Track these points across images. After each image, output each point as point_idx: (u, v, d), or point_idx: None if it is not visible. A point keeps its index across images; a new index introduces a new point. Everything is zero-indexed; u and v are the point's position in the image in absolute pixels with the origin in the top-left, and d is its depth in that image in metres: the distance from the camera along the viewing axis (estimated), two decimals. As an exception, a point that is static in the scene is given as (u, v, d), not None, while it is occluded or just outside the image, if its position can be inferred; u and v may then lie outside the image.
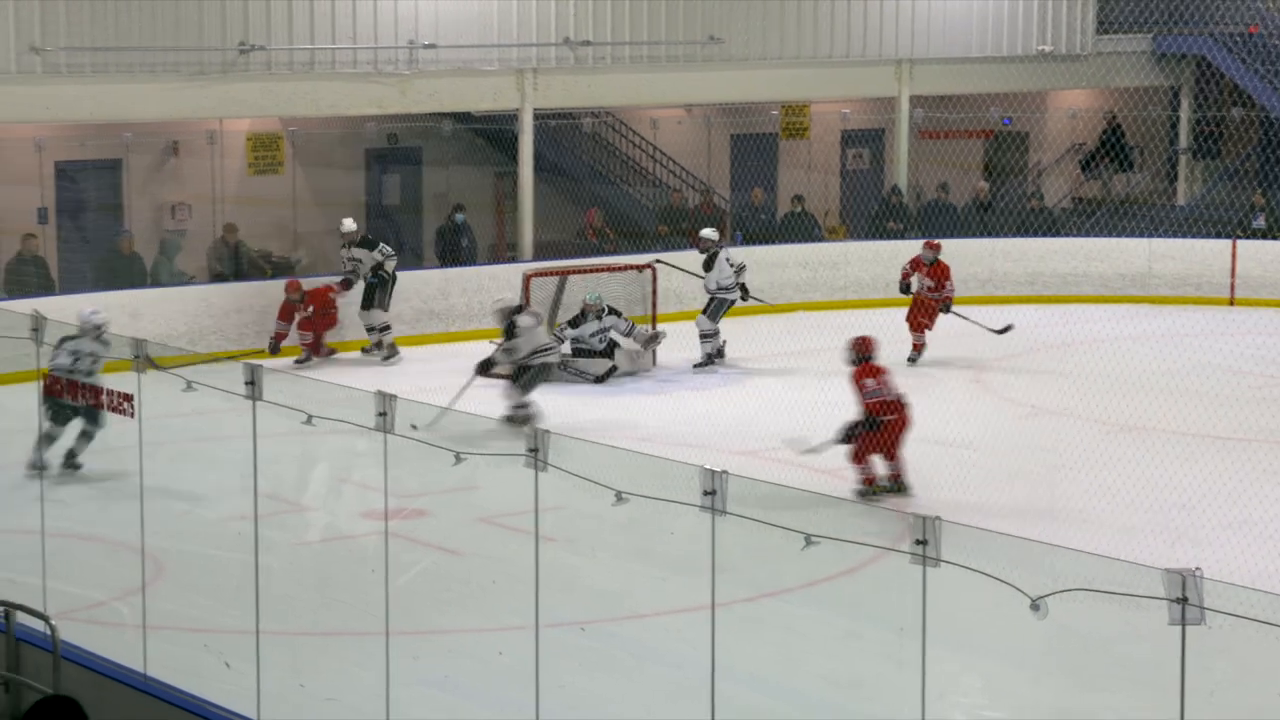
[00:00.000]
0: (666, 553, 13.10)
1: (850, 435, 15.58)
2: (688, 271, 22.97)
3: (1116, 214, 28.86)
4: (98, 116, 22.81)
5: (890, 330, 20.85)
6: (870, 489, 15.48)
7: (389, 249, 22.64)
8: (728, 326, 21.95)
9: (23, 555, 12.27)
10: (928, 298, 21.77)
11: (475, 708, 11.17)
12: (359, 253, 22.56)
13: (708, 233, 22.16)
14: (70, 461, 15.65)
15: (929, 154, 28.84)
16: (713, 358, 21.55)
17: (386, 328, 22.52)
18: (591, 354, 20.98)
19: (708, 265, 21.89)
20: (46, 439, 15.26)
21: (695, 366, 21.53)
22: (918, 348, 21.66)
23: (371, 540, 13.84)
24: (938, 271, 21.91)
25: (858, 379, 15.87)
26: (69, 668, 10.56)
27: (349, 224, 22.84)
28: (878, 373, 15.95)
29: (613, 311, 21.22)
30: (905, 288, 22.03)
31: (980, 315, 22.30)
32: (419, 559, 13.83)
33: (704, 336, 21.60)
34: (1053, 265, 26.70)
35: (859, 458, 15.54)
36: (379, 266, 22.46)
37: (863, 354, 16.13)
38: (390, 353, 22.39)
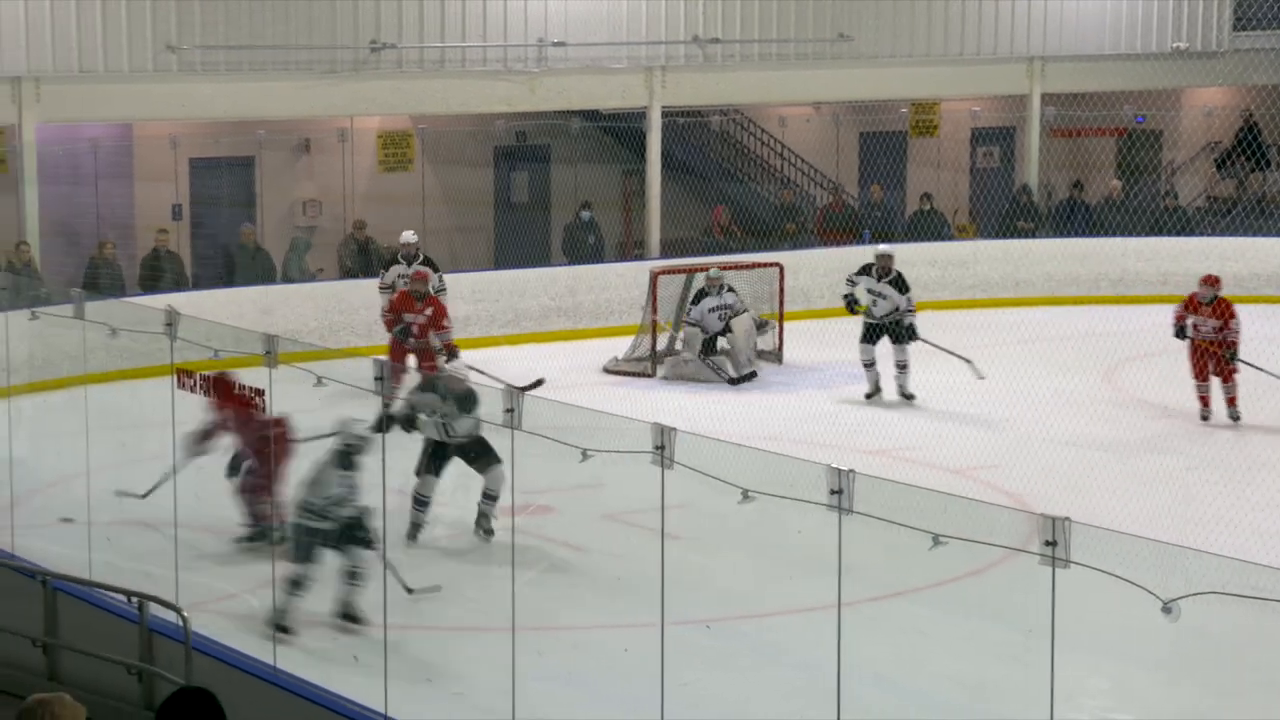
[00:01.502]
0: (792, 552, 13.05)
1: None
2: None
3: (1252, 213, 28.43)
4: (231, 114, 23.08)
5: (1019, 329, 20.71)
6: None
7: (441, 280, 20.35)
8: (848, 325, 21.81)
9: (156, 548, 12.43)
10: (1208, 340, 18.60)
11: (600, 704, 11.18)
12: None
13: (887, 248, 20.41)
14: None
15: (1060, 152, 28.56)
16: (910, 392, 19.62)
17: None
18: (710, 335, 20.92)
19: (900, 285, 19.88)
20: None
21: (906, 396, 19.63)
22: (1205, 402, 18.62)
23: (498, 536, 13.92)
24: (1220, 310, 18.68)
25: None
26: (200, 658, 10.69)
27: (410, 236, 20.98)
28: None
29: (733, 290, 21.17)
30: (1180, 331, 18.84)
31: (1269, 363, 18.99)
32: (545, 555, 13.87)
33: (903, 366, 19.70)
34: (1186, 265, 26.27)
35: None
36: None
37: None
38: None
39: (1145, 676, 11.58)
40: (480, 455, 13.93)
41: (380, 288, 20.49)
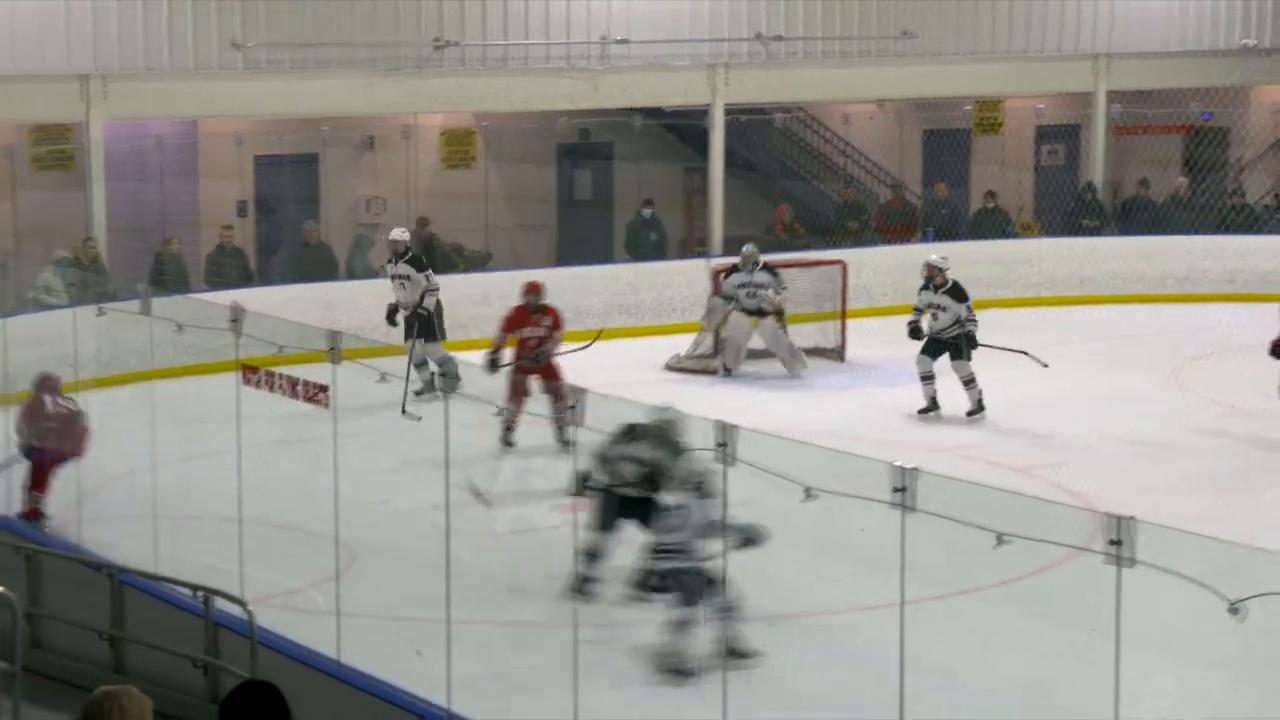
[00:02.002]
0: (855, 550, 13.02)
1: None
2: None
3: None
4: (295, 111, 23.21)
5: (1084, 328, 20.64)
6: None
7: (436, 279, 19.85)
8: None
9: (221, 542, 12.50)
10: None
11: (663, 700, 11.18)
12: (407, 269, 19.79)
13: (939, 260, 19.47)
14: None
15: (1126, 150, 28.40)
16: (982, 403, 18.73)
17: (449, 359, 18.48)
18: (744, 309, 20.92)
19: (958, 294, 19.12)
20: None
21: (969, 414, 18.70)
22: None
23: (561, 532, 13.92)
24: None
25: None
26: (265, 653, 10.74)
27: (401, 233, 20.26)
28: None
29: (768, 269, 21.10)
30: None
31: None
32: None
33: (969, 382, 18.84)
34: (1253, 263, 26.14)
35: None
36: (421, 297, 19.54)
37: None
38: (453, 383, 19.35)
39: (1211, 677, 11.50)
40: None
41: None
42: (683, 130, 26.41)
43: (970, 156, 29.19)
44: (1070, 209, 27.65)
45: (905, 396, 19.50)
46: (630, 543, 12.59)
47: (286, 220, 24.44)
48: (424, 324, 19.43)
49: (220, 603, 11.27)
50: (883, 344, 21.60)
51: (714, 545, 10.76)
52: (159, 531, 12.78)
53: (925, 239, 26.20)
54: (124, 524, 14.00)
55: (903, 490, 7.81)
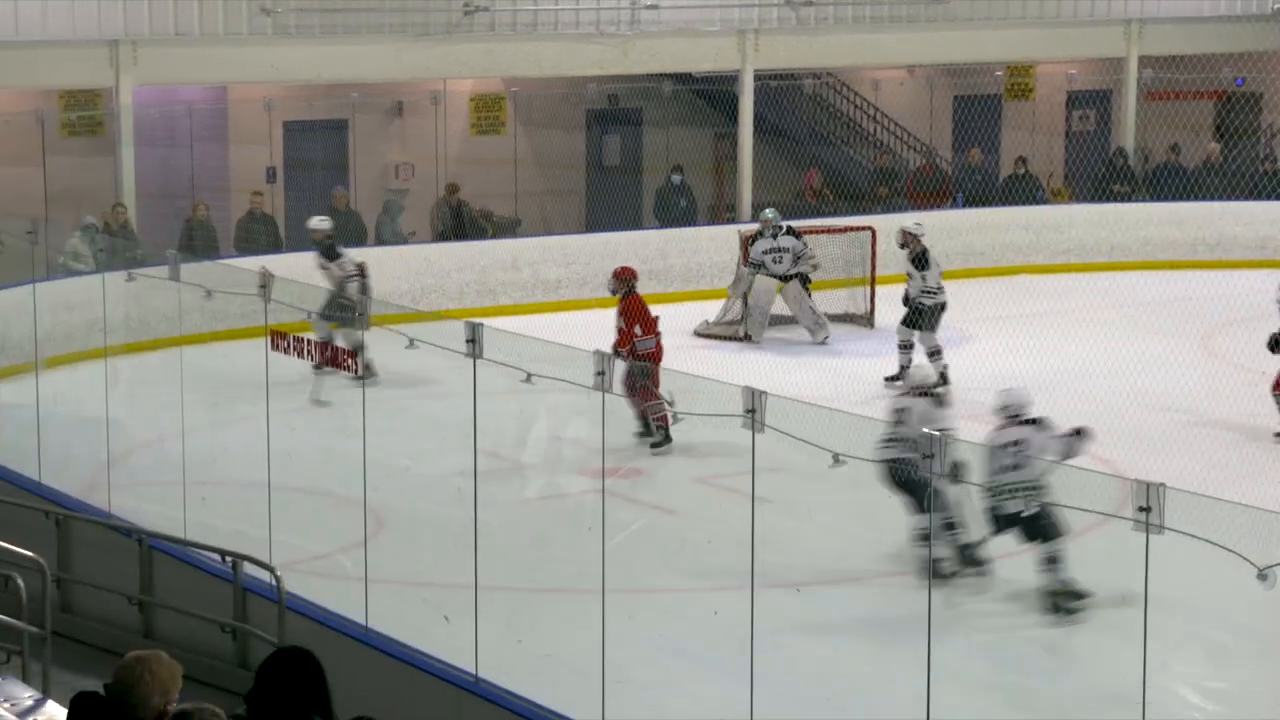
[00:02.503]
0: (884, 516, 13.01)
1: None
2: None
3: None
4: (325, 77, 23.19)
5: (1114, 294, 20.58)
6: None
7: (351, 265, 18.83)
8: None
9: (250, 508, 12.54)
10: None
11: (690, 666, 11.20)
12: (321, 259, 19.02)
13: (914, 226, 19.17)
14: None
15: (1157, 116, 28.24)
16: (945, 377, 17.93)
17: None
18: (775, 279, 20.92)
19: (920, 262, 18.82)
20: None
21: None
22: None
23: (589, 498, 13.93)
24: None
25: None
26: (292, 618, 10.78)
27: (320, 223, 19.45)
28: None
29: (791, 233, 21.07)
30: None
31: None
32: (635, 518, 13.89)
33: (933, 354, 18.47)
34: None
35: None
36: (341, 286, 18.46)
37: None
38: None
39: (1240, 644, 11.48)
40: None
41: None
42: (712, 96, 26.34)
43: (1001, 122, 29.07)
44: (1101, 175, 27.53)
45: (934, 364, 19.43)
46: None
47: (315, 186, 24.44)
48: (345, 311, 18.29)
49: (248, 568, 11.31)
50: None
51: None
52: (188, 497, 12.81)
53: (956, 205, 26.11)
54: (153, 490, 14.06)
55: (930, 457, 7.81)
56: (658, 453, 15.45)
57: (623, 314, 16.37)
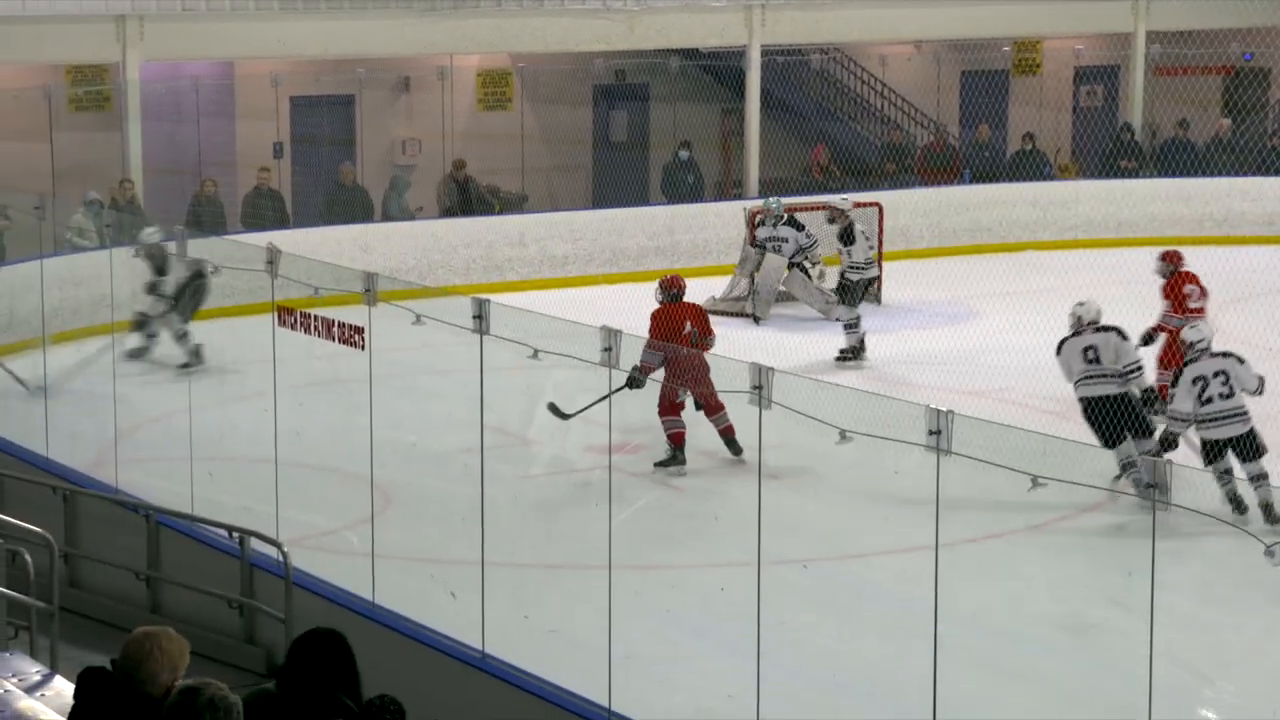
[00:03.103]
0: (890, 492, 13.02)
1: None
2: None
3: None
4: (331, 52, 23.17)
5: (1121, 270, 20.49)
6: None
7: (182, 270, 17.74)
8: (949, 265, 21.70)
9: (257, 484, 12.55)
10: None
11: (696, 642, 11.21)
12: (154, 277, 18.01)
13: (839, 200, 19.64)
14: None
15: (1165, 91, 28.18)
16: (859, 351, 18.53)
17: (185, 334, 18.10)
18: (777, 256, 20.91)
19: (846, 238, 19.08)
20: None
21: (838, 359, 18.45)
22: None
23: (595, 475, 13.95)
24: None
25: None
26: (300, 594, 10.80)
27: (148, 234, 17.53)
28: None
29: (792, 223, 21.04)
30: None
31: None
32: (642, 494, 13.89)
33: (849, 327, 18.71)
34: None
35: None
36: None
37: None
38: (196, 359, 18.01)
39: (1248, 621, 11.48)
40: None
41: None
42: (719, 71, 26.31)
43: (1008, 98, 29.03)
44: (1108, 151, 27.48)
45: (941, 339, 19.45)
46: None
47: (322, 162, 24.44)
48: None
49: (256, 544, 11.33)
50: (920, 287, 21.54)
51: None
52: (195, 473, 12.83)
53: (963, 181, 26.07)
54: (161, 465, 14.07)
55: (938, 433, 7.79)
56: (660, 470, 14.39)
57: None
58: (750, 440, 8.84)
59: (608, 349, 9.48)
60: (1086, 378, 13.71)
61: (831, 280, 21.62)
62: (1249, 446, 12.83)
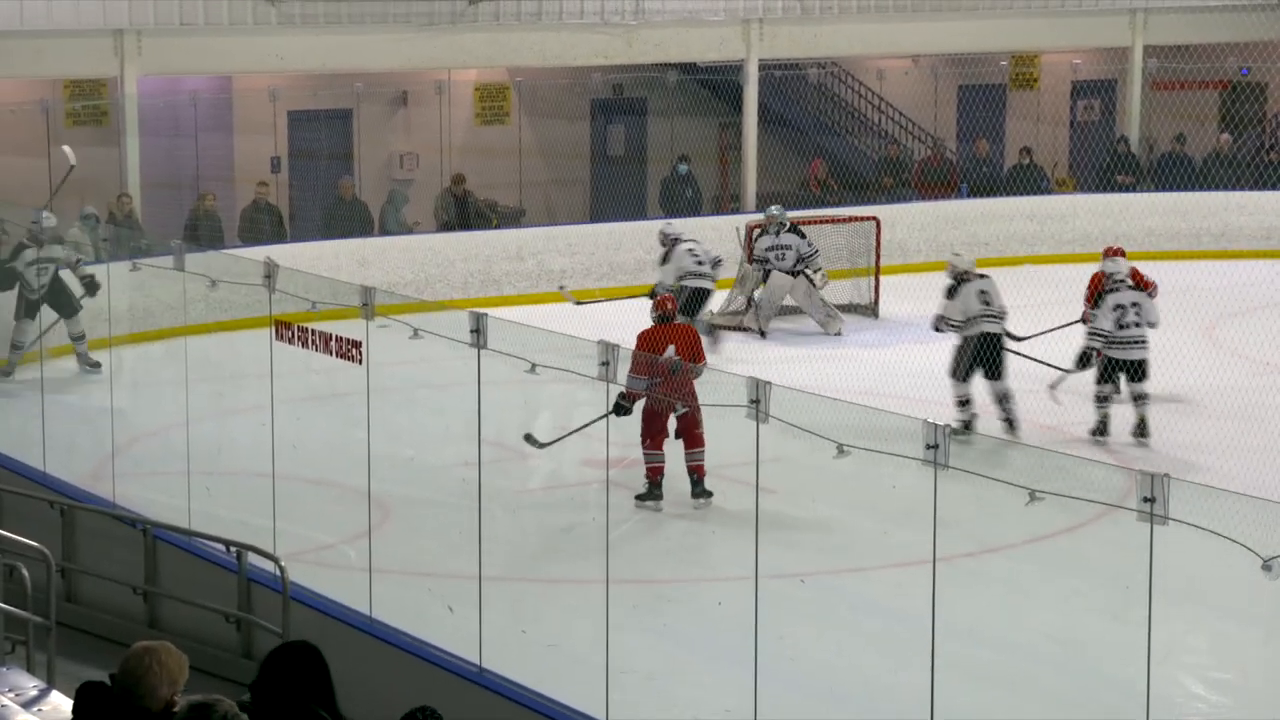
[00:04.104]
0: (888, 506, 13.02)
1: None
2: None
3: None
4: (329, 66, 23.19)
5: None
6: None
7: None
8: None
9: (254, 498, 12.55)
10: None
11: (694, 656, 11.21)
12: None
13: (667, 228, 20.46)
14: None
15: (1162, 106, 28.22)
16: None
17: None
18: (782, 273, 20.92)
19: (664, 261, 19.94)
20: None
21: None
22: None
23: (593, 489, 13.94)
24: None
25: None
26: (297, 608, 10.79)
27: (47, 217, 18.54)
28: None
29: (795, 231, 21.07)
30: None
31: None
32: (640, 509, 13.88)
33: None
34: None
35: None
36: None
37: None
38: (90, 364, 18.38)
39: (1245, 635, 11.48)
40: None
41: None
42: (717, 86, 26.33)
43: (1005, 112, 29.06)
44: (1105, 165, 27.51)
45: (939, 354, 19.42)
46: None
47: (320, 176, 24.46)
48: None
49: (253, 558, 11.32)
50: (917, 301, 21.49)
51: None
52: (192, 487, 12.82)
53: (960, 195, 26.10)
54: (158, 479, 14.06)
55: (935, 447, 7.80)
56: (641, 507, 13.94)
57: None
58: (747, 456, 8.87)
59: (605, 363, 9.48)
60: (983, 317, 16.16)
61: (835, 293, 21.66)
62: (1141, 370, 15.79)
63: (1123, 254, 17.31)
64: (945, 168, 26.78)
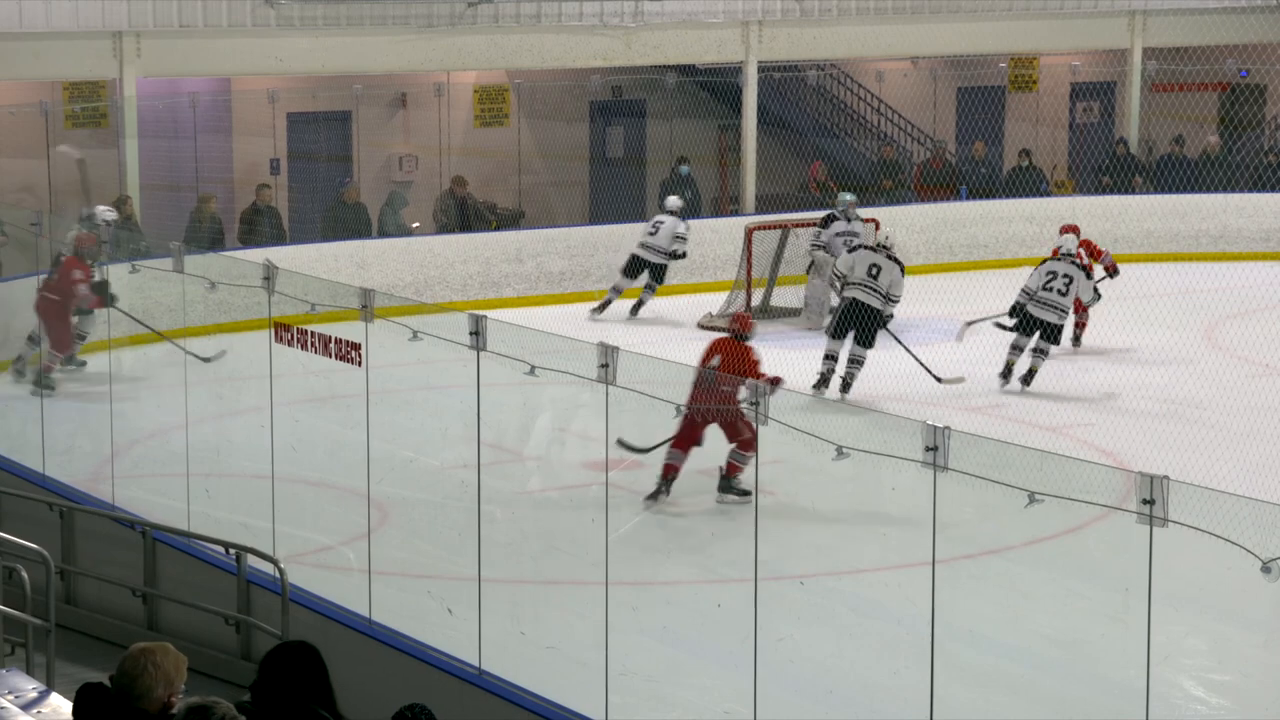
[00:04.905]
0: (888, 508, 13.03)
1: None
2: None
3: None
4: (328, 69, 23.18)
5: (1117, 286, 20.55)
6: None
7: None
8: (946, 281, 21.61)
9: (254, 500, 12.55)
10: None
11: (693, 659, 11.20)
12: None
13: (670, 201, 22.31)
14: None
15: (1161, 107, 28.23)
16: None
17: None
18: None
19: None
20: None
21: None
22: None
23: (592, 491, 13.94)
24: None
25: None
26: (297, 610, 10.79)
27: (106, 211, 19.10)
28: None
29: (859, 219, 21.18)
30: None
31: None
32: (639, 510, 13.88)
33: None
34: (1289, 221, 25.99)
35: None
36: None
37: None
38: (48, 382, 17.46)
39: (1244, 637, 11.48)
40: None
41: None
42: (716, 87, 26.33)
43: (1005, 114, 29.06)
44: (1104, 167, 27.52)
45: (938, 355, 19.43)
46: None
47: (319, 178, 24.45)
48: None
49: (252, 560, 11.32)
50: (917, 303, 21.48)
51: None
52: (192, 489, 12.82)
53: (960, 197, 26.10)
54: (157, 481, 14.07)
55: (935, 449, 7.79)
56: (647, 507, 14.02)
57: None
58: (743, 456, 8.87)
59: (605, 365, 9.47)
60: (861, 285, 17.50)
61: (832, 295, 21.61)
62: (1049, 331, 17.82)
63: (1076, 231, 19.08)
64: (944, 170, 26.79)
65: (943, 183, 26.45)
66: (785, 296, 21.82)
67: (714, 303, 21.72)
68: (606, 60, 24.46)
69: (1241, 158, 27.50)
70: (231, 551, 11.45)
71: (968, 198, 26.03)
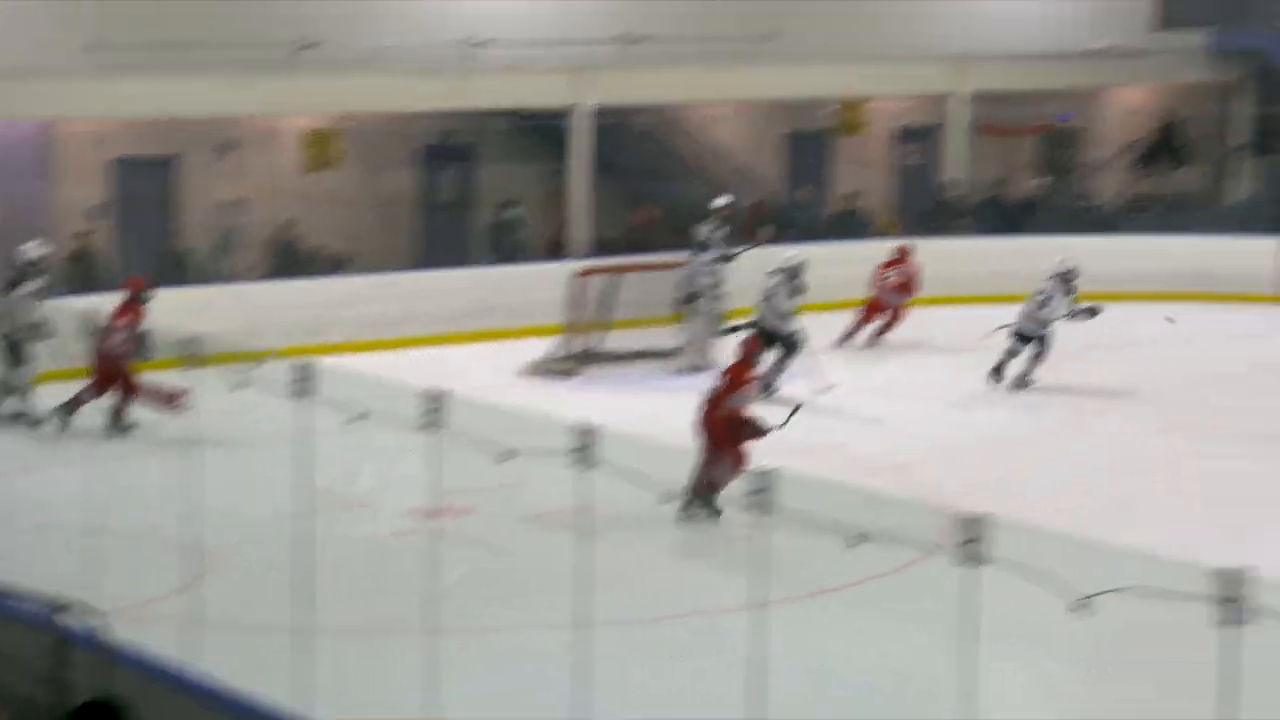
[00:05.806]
0: (715, 551, 13.07)
1: None
2: None
3: (1171, 211, 28.61)
4: (156, 112, 22.91)
5: (946, 327, 20.85)
6: None
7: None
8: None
9: (72, 552, 12.32)
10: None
11: (525, 705, 11.15)
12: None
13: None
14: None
15: (985, 150, 28.67)
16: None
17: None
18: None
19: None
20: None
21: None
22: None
23: (419, 539, 13.84)
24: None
25: None
26: (117, 667, 10.58)
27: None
28: None
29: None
30: None
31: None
32: (466, 557, 13.81)
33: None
34: (1104, 264, 26.41)
35: None
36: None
37: None
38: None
39: (1066, 674, 11.64)
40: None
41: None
42: (547, 132, 26.36)
43: (832, 157, 29.37)
44: (929, 209, 27.90)
45: (765, 397, 19.57)
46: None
47: (146, 224, 24.13)
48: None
49: (72, 615, 11.08)
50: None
51: None
52: (4, 542, 12.56)
53: (784, 242, 26.30)
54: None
55: (761, 492, 7.84)
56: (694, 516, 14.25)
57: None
58: (567, 503, 8.88)
59: (434, 410, 9.43)
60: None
61: (657, 338, 21.70)
62: (1045, 346, 20.21)
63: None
64: (773, 213, 26.96)
65: (769, 226, 26.63)
66: (636, 339, 21.70)
67: (543, 348, 21.68)
68: (436, 104, 24.43)
69: (1060, 201, 28.04)
70: (48, 607, 11.20)
71: (795, 241, 26.23)
